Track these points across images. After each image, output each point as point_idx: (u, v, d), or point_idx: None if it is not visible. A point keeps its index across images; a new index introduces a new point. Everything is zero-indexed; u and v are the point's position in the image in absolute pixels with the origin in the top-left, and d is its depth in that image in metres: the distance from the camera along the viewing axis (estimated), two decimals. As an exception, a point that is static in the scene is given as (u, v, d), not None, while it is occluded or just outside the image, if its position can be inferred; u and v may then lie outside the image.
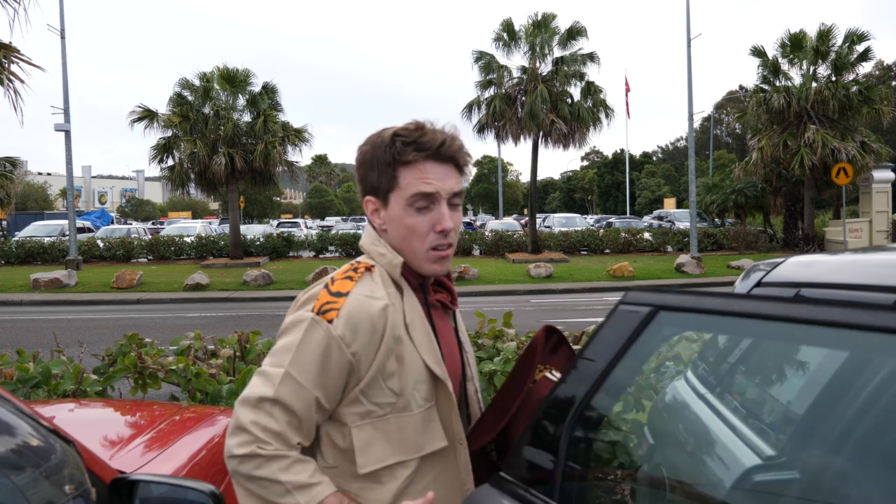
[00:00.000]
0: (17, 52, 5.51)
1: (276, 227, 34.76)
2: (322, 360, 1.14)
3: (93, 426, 2.21)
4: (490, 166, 67.64)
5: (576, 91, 21.57)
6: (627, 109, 46.74)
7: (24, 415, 1.29)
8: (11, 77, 5.49)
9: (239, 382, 3.02)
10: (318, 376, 1.14)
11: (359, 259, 1.29)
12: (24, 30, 5.77)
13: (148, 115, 21.12)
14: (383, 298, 1.20)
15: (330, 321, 1.15)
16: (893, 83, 41.66)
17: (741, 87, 47.10)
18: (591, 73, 37.74)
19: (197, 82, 21.74)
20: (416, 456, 1.19)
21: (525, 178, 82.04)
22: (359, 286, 1.20)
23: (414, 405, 1.19)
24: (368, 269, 1.24)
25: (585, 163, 79.79)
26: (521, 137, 21.54)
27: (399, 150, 1.22)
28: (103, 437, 2.07)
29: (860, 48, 21.63)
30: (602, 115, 21.44)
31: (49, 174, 75.03)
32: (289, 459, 1.11)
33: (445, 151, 1.25)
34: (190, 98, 21.80)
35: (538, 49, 21.38)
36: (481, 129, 22.06)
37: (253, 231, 27.46)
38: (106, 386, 3.19)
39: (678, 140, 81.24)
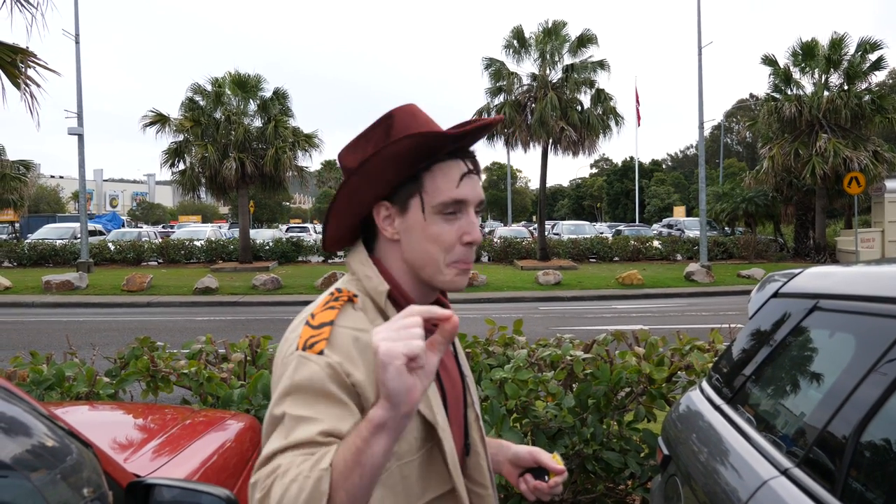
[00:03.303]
0: (34, 56, 5.56)
1: (286, 231, 34.91)
2: (325, 391, 0.99)
3: (107, 429, 2.22)
4: (499, 173, 67.67)
5: (586, 98, 21.59)
6: (638, 118, 46.65)
7: (43, 417, 1.30)
8: (28, 81, 5.54)
9: (250, 387, 3.03)
10: (329, 408, 0.98)
11: (339, 286, 1.16)
12: (41, 34, 5.81)
13: (160, 120, 21.28)
14: (369, 332, 1.03)
15: (320, 352, 1.01)
16: (906, 92, 41.36)
17: (752, 96, 46.98)
18: (602, 80, 37.64)
19: (209, 87, 21.88)
20: (422, 502, 1.10)
21: (534, 184, 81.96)
22: (342, 317, 1.07)
23: (414, 449, 1.08)
24: (350, 299, 1.10)
25: (595, 170, 79.67)
26: (531, 144, 21.54)
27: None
28: (117, 441, 2.08)
29: (873, 57, 21.52)
30: (612, 123, 21.43)
31: (61, 177, 75.61)
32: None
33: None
34: (202, 103, 21.95)
35: (548, 56, 21.41)
36: (491, 135, 22.06)
37: (262, 235, 27.56)
38: (118, 389, 3.20)
39: (688, 148, 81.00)
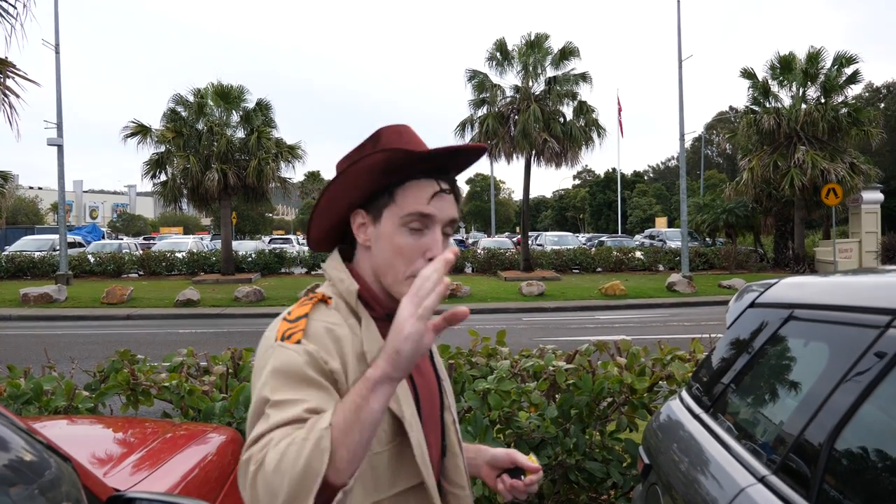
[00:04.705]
0: (14, 66, 5.51)
1: (268, 243, 34.71)
2: (306, 376, 1.03)
3: (86, 443, 2.20)
4: (482, 184, 67.92)
5: (568, 110, 21.78)
6: (621, 128, 47.07)
7: (21, 431, 1.29)
8: (7, 92, 5.49)
9: (232, 400, 3.01)
10: (311, 391, 1.02)
11: (314, 290, 1.23)
12: (20, 45, 5.78)
13: (141, 131, 21.11)
14: (342, 325, 1.14)
15: (298, 342, 1.06)
16: (882, 105, 42.22)
17: (731, 108, 47.64)
18: (584, 92, 38.17)
19: (191, 98, 21.77)
20: (391, 493, 1.13)
21: (517, 196, 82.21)
22: (315, 313, 1.14)
23: (383, 442, 1.11)
24: (323, 300, 1.18)
25: (577, 181, 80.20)
26: (514, 156, 21.66)
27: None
28: (97, 455, 2.05)
29: (849, 71, 21.96)
30: (594, 135, 21.62)
31: (40, 188, 74.68)
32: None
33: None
34: (184, 114, 21.81)
35: (531, 69, 21.58)
36: (474, 146, 22.16)
37: (245, 247, 27.38)
38: (98, 402, 3.16)
39: (669, 160, 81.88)
